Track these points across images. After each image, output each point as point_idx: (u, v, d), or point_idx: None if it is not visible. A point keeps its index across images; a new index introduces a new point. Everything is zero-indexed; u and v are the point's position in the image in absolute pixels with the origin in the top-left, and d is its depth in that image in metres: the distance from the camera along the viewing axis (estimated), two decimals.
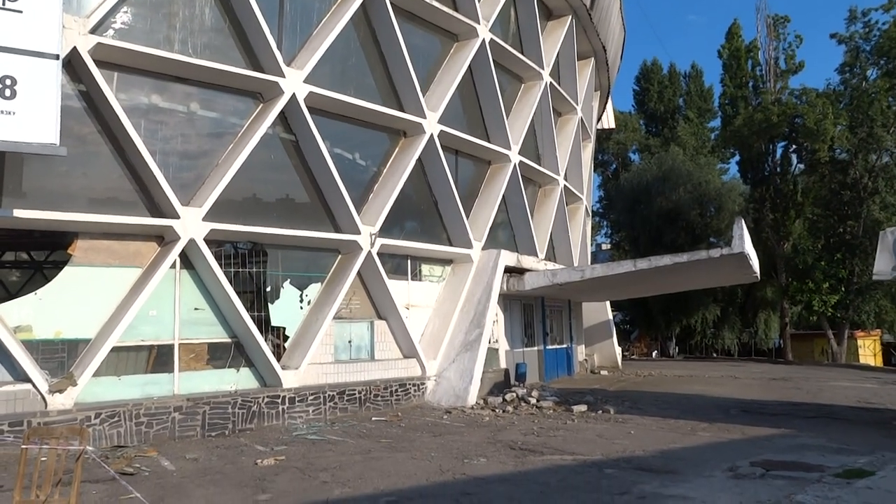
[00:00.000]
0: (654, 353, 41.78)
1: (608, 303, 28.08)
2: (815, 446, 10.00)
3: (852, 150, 32.87)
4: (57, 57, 8.84)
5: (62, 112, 9.03)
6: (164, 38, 12.06)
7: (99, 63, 10.77)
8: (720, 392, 18.06)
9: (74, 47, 10.33)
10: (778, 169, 37.18)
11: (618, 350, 28.43)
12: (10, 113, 8.35)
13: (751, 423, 12.25)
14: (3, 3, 8.45)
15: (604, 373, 24.78)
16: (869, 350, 40.64)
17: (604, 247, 52.95)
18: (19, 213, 9.86)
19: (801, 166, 36.60)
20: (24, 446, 4.73)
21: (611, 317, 28.34)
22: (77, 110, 10.84)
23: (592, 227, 50.74)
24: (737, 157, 40.58)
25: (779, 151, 37.09)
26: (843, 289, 33.72)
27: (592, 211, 49.78)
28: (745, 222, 35.06)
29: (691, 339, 42.78)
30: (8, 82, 8.36)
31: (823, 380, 22.30)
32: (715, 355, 42.67)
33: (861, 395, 17.30)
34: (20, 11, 8.59)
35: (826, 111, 31.21)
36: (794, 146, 35.82)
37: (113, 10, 11.21)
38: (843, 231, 33.96)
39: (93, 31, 10.70)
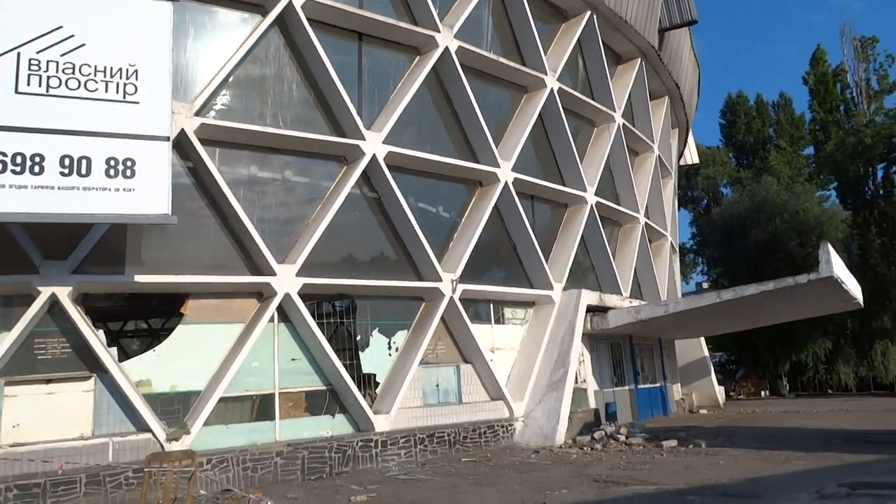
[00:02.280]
0: (763, 393, 39.78)
1: (703, 340, 27.37)
2: None
3: None
4: (168, 139, 10.20)
5: (173, 188, 10.32)
6: (258, 115, 13.44)
7: (203, 141, 12.16)
8: (825, 424, 17.27)
9: (182, 129, 11.75)
10: (881, 192, 35.44)
11: (718, 388, 27.48)
12: (130, 190, 9.72)
13: (851, 451, 11.81)
14: (124, 97, 9.91)
15: (703, 412, 24.07)
16: None
17: (704, 285, 51.41)
18: (139, 277, 11.19)
19: None
20: (146, 469, 5.55)
21: (707, 354, 27.55)
22: (185, 185, 12.19)
23: (688, 265, 49.72)
24: (835, 184, 39.00)
25: (879, 173, 35.45)
26: None
27: (687, 248, 48.87)
28: (851, 249, 33.32)
29: (803, 376, 40.49)
30: (129, 163, 9.76)
31: None
32: (830, 392, 40.18)
33: None
34: (137, 103, 10.03)
35: None
36: (894, 167, 34.18)
37: (214, 94, 12.67)
38: None
39: (197, 113, 12.14)
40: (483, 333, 15.84)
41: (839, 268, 14.49)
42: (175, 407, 11.78)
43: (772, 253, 35.73)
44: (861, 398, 31.37)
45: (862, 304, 19.16)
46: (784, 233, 35.44)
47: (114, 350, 11.36)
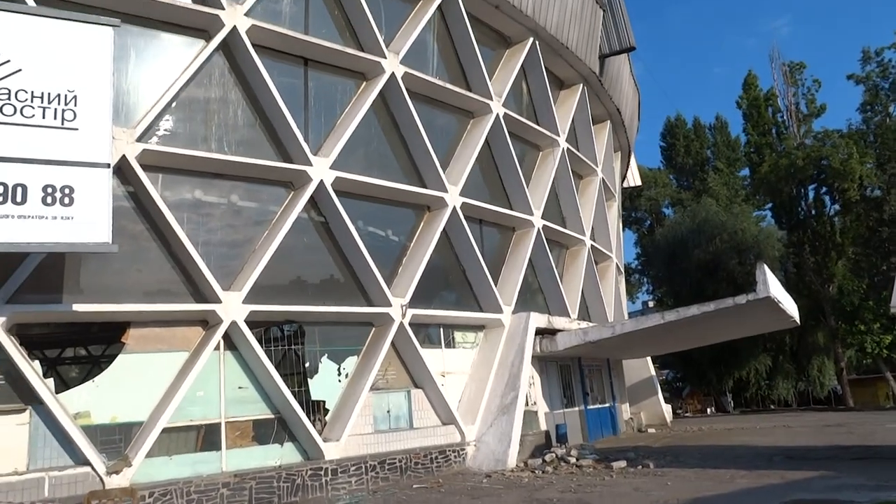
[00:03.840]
0: (708, 410, 40.67)
1: (650, 359, 27.92)
2: (852, 485, 9.96)
3: (884, 186, 32.71)
4: (108, 166, 9.97)
5: (114, 213, 10.06)
6: (202, 139, 13.27)
7: (145, 167, 11.92)
8: (768, 441, 17.77)
9: (123, 155, 11.49)
10: (813, 212, 37.04)
11: (666, 407, 28.00)
12: (69, 218, 9.43)
13: (792, 468, 12.17)
14: (62, 124, 9.66)
15: (651, 430, 24.47)
16: None
17: (650, 304, 52.43)
18: (78, 307, 10.83)
19: (836, 207, 36.41)
20: None
21: (654, 373, 28.07)
22: (126, 210, 11.91)
23: (633, 286, 50.77)
24: (770, 204, 40.55)
25: (811, 194, 37.05)
26: None
27: (632, 269, 49.95)
28: (787, 267, 34.43)
29: (746, 392, 41.59)
30: (67, 191, 9.48)
31: (879, 423, 21.64)
32: (773, 407, 41.35)
33: None
34: (76, 129, 9.79)
35: (850, 151, 31.32)
36: (824, 188, 35.80)
37: (156, 119, 12.46)
38: (886, 268, 33.39)
39: (139, 139, 11.90)
40: (434, 358, 15.81)
41: (776, 288, 15.01)
42: (116, 438, 11.40)
43: (713, 272, 36.78)
44: (801, 413, 32.40)
45: (798, 321, 19.86)
46: (724, 252, 36.54)
47: (50, 381, 10.93)
